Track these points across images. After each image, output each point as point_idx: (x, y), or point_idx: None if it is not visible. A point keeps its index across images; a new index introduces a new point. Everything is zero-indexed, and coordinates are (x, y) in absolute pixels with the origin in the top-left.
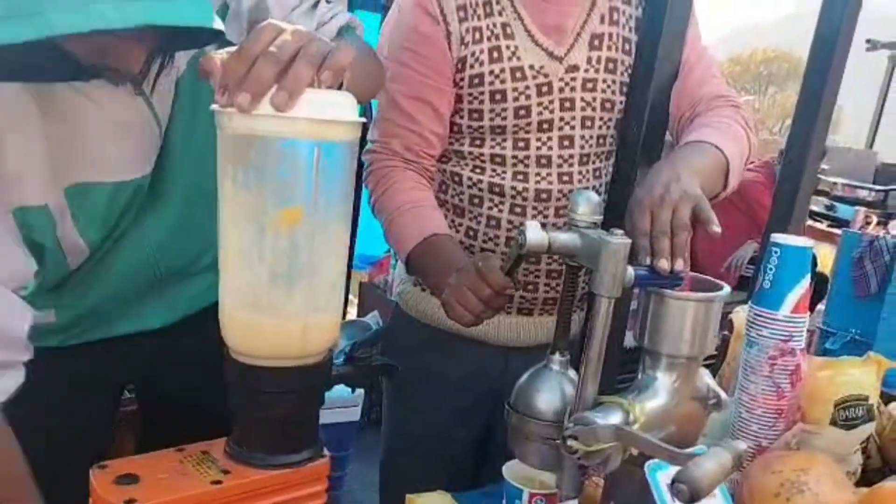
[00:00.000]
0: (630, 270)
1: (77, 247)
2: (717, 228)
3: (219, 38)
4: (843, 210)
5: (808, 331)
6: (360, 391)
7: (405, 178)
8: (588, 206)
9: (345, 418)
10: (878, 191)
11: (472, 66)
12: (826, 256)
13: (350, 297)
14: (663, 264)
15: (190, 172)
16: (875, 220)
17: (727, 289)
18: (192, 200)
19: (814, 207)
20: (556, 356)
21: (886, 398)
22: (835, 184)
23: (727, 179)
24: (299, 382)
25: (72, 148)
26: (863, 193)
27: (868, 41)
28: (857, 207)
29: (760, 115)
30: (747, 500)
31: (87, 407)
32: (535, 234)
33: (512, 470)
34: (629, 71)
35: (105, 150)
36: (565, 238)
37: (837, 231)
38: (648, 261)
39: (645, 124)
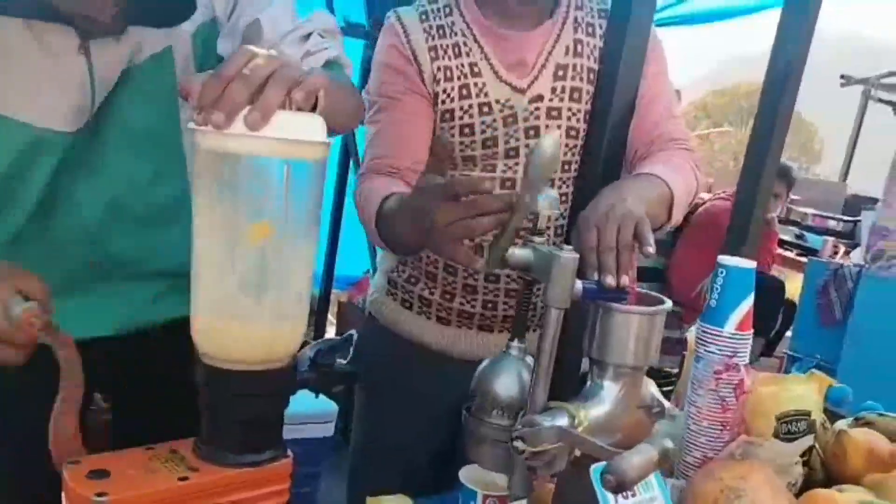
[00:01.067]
0: (579, 284)
1: None
2: (650, 249)
3: (189, 13)
4: (812, 239)
5: (776, 357)
6: (335, 407)
7: (383, 180)
8: (547, 201)
9: (318, 434)
10: (846, 221)
11: (443, 102)
12: (795, 285)
13: (329, 316)
14: (609, 280)
15: (125, 156)
16: (843, 249)
17: (669, 303)
18: (129, 186)
19: (785, 237)
20: (515, 343)
21: (832, 416)
22: (805, 214)
23: (671, 212)
24: (265, 386)
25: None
26: (832, 224)
27: (842, 76)
28: (826, 237)
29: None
30: None
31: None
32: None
33: (468, 473)
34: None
35: (32, 88)
36: (521, 253)
37: (805, 259)
38: (595, 276)
39: (603, 151)
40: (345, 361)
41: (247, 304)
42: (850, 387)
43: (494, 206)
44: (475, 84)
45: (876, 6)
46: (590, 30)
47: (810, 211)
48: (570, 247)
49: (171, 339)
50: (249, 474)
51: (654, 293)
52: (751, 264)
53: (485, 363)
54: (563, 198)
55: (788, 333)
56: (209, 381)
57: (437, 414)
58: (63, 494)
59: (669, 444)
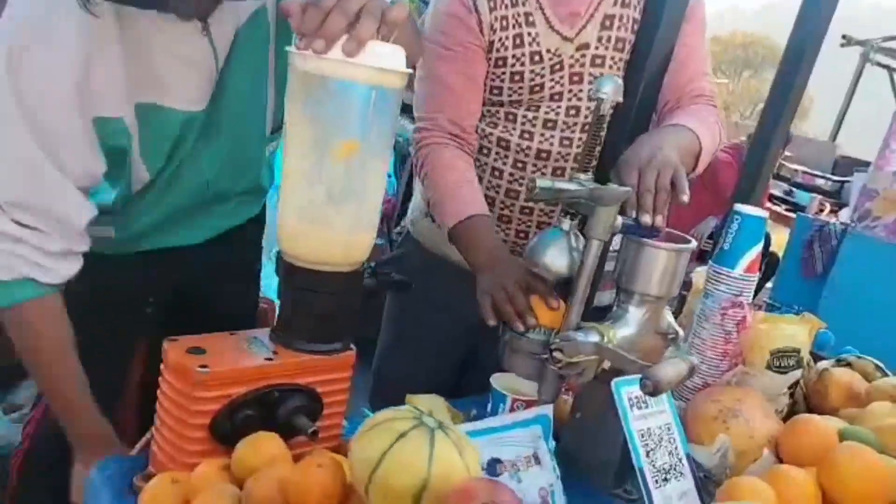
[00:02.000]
0: (619, 219)
1: (140, 172)
2: (685, 197)
3: None
4: (800, 196)
5: (755, 304)
6: None
7: (450, 156)
8: (613, 86)
9: None
10: (834, 181)
11: (497, 50)
12: (780, 238)
13: None
14: (647, 219)
15: (240, 113)
16: (829, 207)
17: (694, 243)
18: (240, 138)
19: (774, 191)
20: (567, 220)
21: (816, 357)
22: (796, 171)
23: (697, 162)
24: (338, 285)
25: (142, 69)
26: (820, 182)
27: (844, 37)
28: (813, 195)
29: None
30: (690, 421)
31: (116, 316)
32: (543, 182)
33: (498, 380)
34: None
35: (170, 77)
36: (567, 186)
37: (793, 215)
38: (634, 213)
39: (639, 97)
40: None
41: (329, 213)
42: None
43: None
44: (528, 34)
45: None
46: None
47: (801, 168)
48: (617, 185)
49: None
50: (323, 360)
51: (682, 234)
52: (763, 214)
53: (537, 237)
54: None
55: (769, 285)
56: (291, 278)
57: (462, 328)
58: (162, 367)
59: (695, 360)
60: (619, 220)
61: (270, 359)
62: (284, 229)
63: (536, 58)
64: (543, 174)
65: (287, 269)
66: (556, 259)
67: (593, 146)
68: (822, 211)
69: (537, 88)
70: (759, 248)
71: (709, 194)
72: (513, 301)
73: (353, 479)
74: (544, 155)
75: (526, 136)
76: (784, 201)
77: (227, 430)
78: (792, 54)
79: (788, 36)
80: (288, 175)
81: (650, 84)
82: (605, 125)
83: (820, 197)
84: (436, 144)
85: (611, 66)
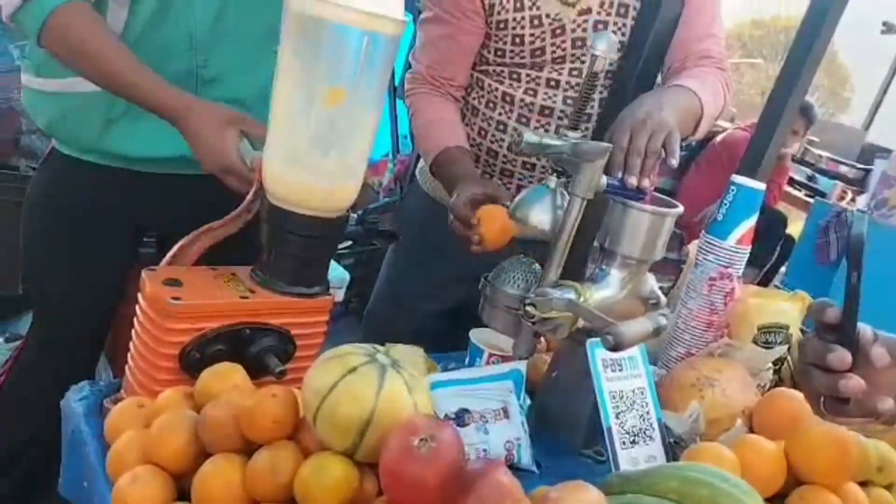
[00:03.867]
0: (604, 178)
1: None
2: (674, 162)
3: None
4: (823, 182)
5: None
6: (346, 277)
7: (433, 100)
8: (606, 43)
9: None
10: (859, 168)
11: (498, 13)
12: (799, 223)
13: None
14: (632, 180)
15: None
16: (850, 195)
17: (680, 208)
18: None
19: (797, 176)
20: (554, 178)
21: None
22: (820, 156)
23: (697, 126)
24: (319, 230)
25: None
26: (844, 169)
27: (884, 24)
28: (836, 182)
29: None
30: (668, 388)
31: (110, 242)
32: (530, 136)
33: (478, 334)
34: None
35: None
36: (555, 143)
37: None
38: (620, 174)
39: (643, 57)
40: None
41: (314, 158)
42: None
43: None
44: None
45: None
46: None
47: (825, 154)
48: (603, 144)
49: None
50: (298, 303)
51: (668, 199)
52: (761, 186)
53: (524, 192)
54: (602, 102)
55: (783, 269)
56: (273, 218)
57: (453, 273)
58: (140, 296)
59: (663, 321)
60: (604, 179)
61: (245, 297)
62: (269, 170)
63: (536, 21)
64: (546, 130)
65: (270, 210)
66: (539, 215)
67: (584, 104)
68: (843, 198)
69: (538, 52)
70: (752, 220)
71: (726, 174)
72: (458, 216)
73: (304, 409)
74: (547, 111)
75: (530, 92)
76: (806, 187)
77: (197, 362)
78: (810, 22)
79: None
80: (275, 117)
81: (655, 45)
82: (596, 83)
83: (843, 184)
84: (419, 93)
85: (615, 31)
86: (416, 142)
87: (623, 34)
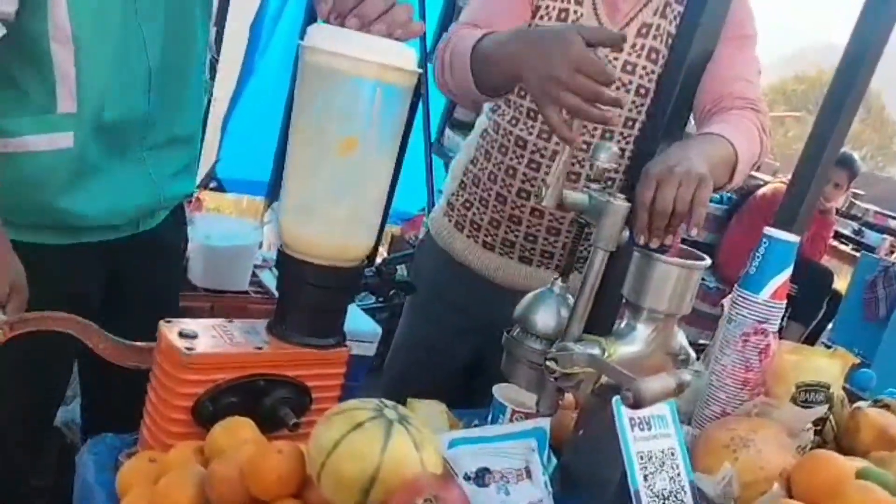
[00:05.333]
0: (626, 231)
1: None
2: (695, 231)
3: None
4: (870, 237)
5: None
6: (379, 330)
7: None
8: (607, 154)
9: (360, 352)
10: None
11: (541, 18)
12: (846, 279)
13: (381, 248)
14: (654, 244)
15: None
16: None
17: (708, 260)
18: (175, 36)
19: (843, 230)
20: (559, 282)
21: (853, 397)
22: (867, 210)
23: (733, 174)
24: (335, 280)
25: None
26: (894, 223)
27: None
28: (885, 236)
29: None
30: (701, 449)
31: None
32: (552, 189)
33: (501, 390)
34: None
35: None
36: (576, 196)
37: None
38: (642, 239)
39: (672, 104)
40: (405, 274)
41: (327, 207)
42: (885, 382)
43: (608, 101)
44: (574, 11)
45: None
46: None
47: (872, 208)
48: (623, 196)
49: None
50: (313, 354)
51: (695, 250)
52: (794, 238)
53: (527, 296)
54: (622, 153)
55: (830, 326)
56: (288, 268)
57: (467, 325)
58: (157, 346)
59: (687, 377)
60: (626, 231)
61: (260, 348)
62: (284, 220)
63: None
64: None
65: (285, 261)
66: (544, 320)
67: (576, 244)
68: (893, 252)
69: None
70: (786, 274)
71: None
72: (577, 89)
73: (308, 466)
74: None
75: (544, 135)
76: (853, 241)
77: (211, 414)
78: (847, 67)
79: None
80: (291, 167)
81: (681, 101)
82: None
83: (892, 238)
84: (461, 35)
85: (641, 76)
86: (452, 61)
87: (650, 80)
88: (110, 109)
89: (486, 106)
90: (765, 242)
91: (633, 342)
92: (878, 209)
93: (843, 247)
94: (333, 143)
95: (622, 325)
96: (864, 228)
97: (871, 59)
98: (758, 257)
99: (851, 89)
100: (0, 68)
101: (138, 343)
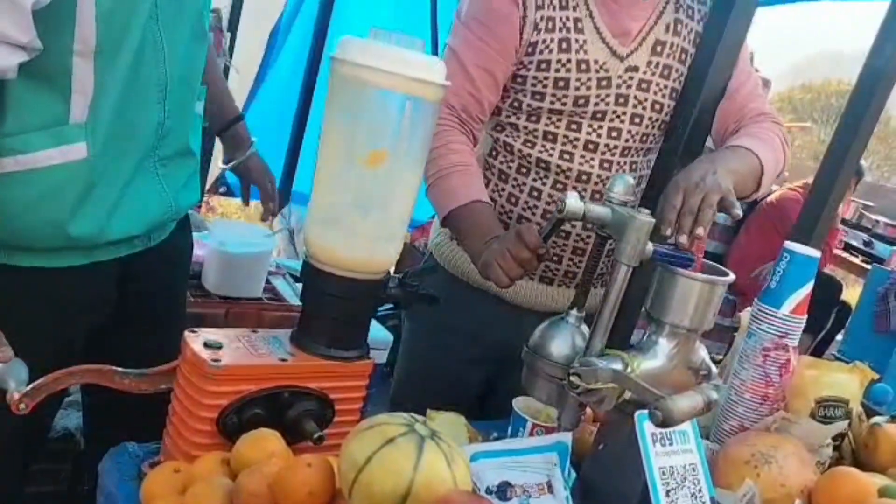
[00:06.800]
0: (650, 245)
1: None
2: (738, 212)
3: None
4: (880, 248)
5: (825, 359)
6: (390, 337)
7: (457, 140)
8: (623, 187)
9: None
10: None
11: (541, 52)
12: (855, 290)
13: None
14: (683, 240)
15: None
16: None
17: (731, 276)
18: (188, 60)
19: (853, 242)
20: (574, 312)
21: (870, 412)
22: (877, 222)
23: (759, 183)
24: (359, 292)
25: None
26: None
27: None
28: (894, 248)
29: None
30: (721, 464)
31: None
32: (574, 202)
33: (520, 403)
34: (681, 79)
35: None
36: (599, 210)
37: (871, 267)
38: (669, 231)
39: (690, 125)
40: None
41: (354, 219)
42: None
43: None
44: (576, 40)
45: None
46: (689, 12)
47: (882, 219)
48: (647, 210)
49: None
50: (338, 366)
51: (718, 266)
52: (815, 254)
53: (542, 325)
54: (634, 165)
55: (839, 336)
56: (313, 280)
57: (479, 354)
58: (181, 358)
59: (714, 395)
60: (650, 246)
61: (285, 359)
62: (311, 232)
63: (583, 66)
64: (583, 197)
65: (310, 272)
66: (559, 350)
67: (597, 261)
68: None
69: (582, 101)
70: (807, 288)
71: (777, 235)
72: (516, 255)
73: (340, 481)
74: (584, 177)
75: (566, 156)
76: (862, 252)
77: (235, 425)
78: (864, 84)
79: (857, 76)
80: (319, 179)
81: (699, 122)
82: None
83: None
84: (444, 127)
85: (656, 92)
86: (430, 186)
87: (663, 96)
88: (124, 118)
89: (489, 124)
90: (785, 257)
91: (655, 357)
92: (888, 220)
93: (852, 258)
94: (363, 156)
95: (644, 339)
96: (873, 240)
97: (892, 71)
98: (778, 272)
99: (871, 101)
100: (10, 87)
101: (159, 368)
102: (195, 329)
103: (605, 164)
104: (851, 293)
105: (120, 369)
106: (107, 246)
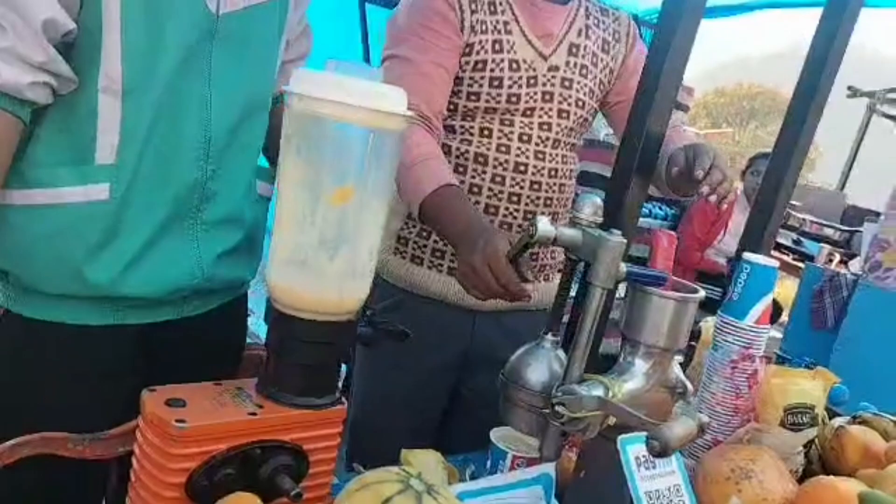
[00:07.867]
0: (623, 266)
1: (112, 52)
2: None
3: None
4: (809, 245)
5: (766, 356)
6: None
7: (417, 133)
8: (591, 208)
9: None
10: (843, 231)
11: (477, 53)
12: (787, 287)
13: None
14: (705, 189)
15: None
16: (838, 257)
17: (702, 293)
18: (247, 113)
19: (781, 240)
20: (549, 336)
21: (831, 413)
22: (804, 220)
23: None
24: (329, 335)
25: None
26: (829, 232)
27: (849, 88)
28: (822, 245)
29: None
30: (701, 482)
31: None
32: (544, 226)
33: (498, 434)
34: (596, 80)
35: None
36: (570, 233)
37: (801, 265)
38: (700, 174)
39: (644, 136)
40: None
41: (322, 259)
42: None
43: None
44: (507, 41)
45: (881, 19)
46: (596, 21)
47: (809, 217)
48: (619, 231)
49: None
50: (309, 415)
51: (688, 283)
52: (773, 263)
53: (518, 352)
54: (565, 158)
55: (776, 334)
56: (279, 325)
57: (439, 363)
58: (140, 419)
59: (705, 418)
60: (623, 267)
61: (254, 413)
62: (274, 274)
63: (514, 66)
64: (521, 188)
65: (276, 317)
66: (537, 377)
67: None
68: (831, 261)
69: (514, 98)
70: (769, 298)
71: (704, 225)
72: (500, 276)
73: None
74: (522, 168)
75: (503, 149)
76: (792, 251)
77: (205, 489)
78: (799, 103)
79: (795, 85)
80: (280, 219)
81: (653, 132)
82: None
83: (829, 247)
84: (414, 132)
85: (578, 90)
86: (400, 185)
87: (584, 94)
88: (153, 169)
89: None
90: (745, 268)
91: (633, 378)
92: (813, 219)
93: (784, 257)
94: (327, 194)
95: (621, 360)
96: (801, 238)
97: (833, 67)
98: (739, 283)
99: (814, 98)
100: (46, 118)
101: (113, 431)
102: (154, 387)
103: (539, 155)
104: (785, 291)
105: (75, 435)
106: (126, 307)
